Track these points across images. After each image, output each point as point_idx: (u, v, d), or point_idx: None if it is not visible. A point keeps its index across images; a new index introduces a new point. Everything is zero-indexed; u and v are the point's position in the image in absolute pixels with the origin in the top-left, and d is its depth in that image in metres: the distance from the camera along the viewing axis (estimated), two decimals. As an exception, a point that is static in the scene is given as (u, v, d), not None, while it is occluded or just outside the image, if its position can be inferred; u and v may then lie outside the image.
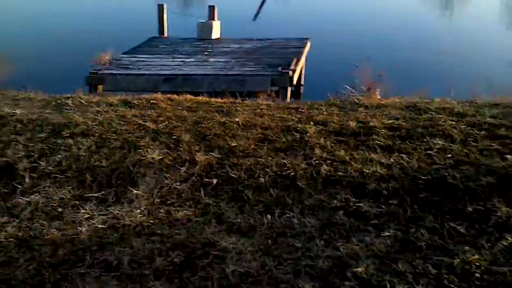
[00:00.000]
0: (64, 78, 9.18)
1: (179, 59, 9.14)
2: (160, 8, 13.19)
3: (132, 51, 10.47)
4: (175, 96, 6.07)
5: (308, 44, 11.43)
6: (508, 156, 3.46)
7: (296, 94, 10.43)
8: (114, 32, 16.58)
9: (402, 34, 15.44)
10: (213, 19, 12.78)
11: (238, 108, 5.14)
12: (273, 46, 10.66)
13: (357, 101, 5.23)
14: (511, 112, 4.37)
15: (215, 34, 12.25)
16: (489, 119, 4.19)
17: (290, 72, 7.75)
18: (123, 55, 9.98)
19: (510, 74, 6.50)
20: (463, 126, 4.03)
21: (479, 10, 18.97)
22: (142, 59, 9.37)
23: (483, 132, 3.96)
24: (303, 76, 11.38)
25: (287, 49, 10.10)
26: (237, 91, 7.80)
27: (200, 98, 5.94)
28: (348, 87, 5.63)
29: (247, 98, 7.46)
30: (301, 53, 9.67)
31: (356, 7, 19.26)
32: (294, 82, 8.00)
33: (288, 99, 7.69)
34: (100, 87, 8.16)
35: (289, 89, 7.82)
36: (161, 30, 13.40)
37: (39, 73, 11.29)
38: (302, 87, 11.08)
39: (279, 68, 7.85)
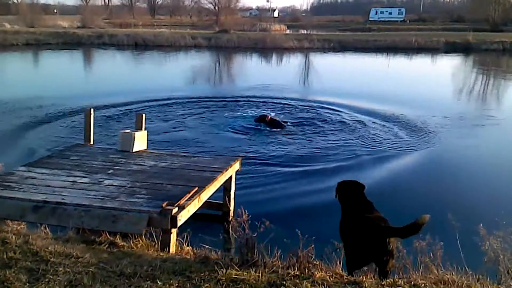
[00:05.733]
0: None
1: (72, 179, 8.13)
2: (87, 113, 12.46)
3: (35, 163, 9.49)
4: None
5: (237, 164, 10.62)
6: None
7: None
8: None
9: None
10: (140, 128, 12.01)
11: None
12: (192, 165, 9.75)
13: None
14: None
15: (138, 146, 11.38)
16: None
17: (175, 210, 6.54)
18: (21, 168, 8.99)
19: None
20: None
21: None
22: (34, 176, 8.33)
23: None
24: (232, 203, 10.45)
25: (202, 172, 9.15)
26: (107, 230, 6.80)
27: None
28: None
29: (128, 238, 6.48)
30: (213, 179, 8.69)
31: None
32: (180, 222, 6.71)
33: (172, 246, 6.50)
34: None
35: (173, 231, 6.60)
36: (86, 137, 12.57)
37: None
38: (231, 214, 10.15)
39: (163, 204, 6.71)
